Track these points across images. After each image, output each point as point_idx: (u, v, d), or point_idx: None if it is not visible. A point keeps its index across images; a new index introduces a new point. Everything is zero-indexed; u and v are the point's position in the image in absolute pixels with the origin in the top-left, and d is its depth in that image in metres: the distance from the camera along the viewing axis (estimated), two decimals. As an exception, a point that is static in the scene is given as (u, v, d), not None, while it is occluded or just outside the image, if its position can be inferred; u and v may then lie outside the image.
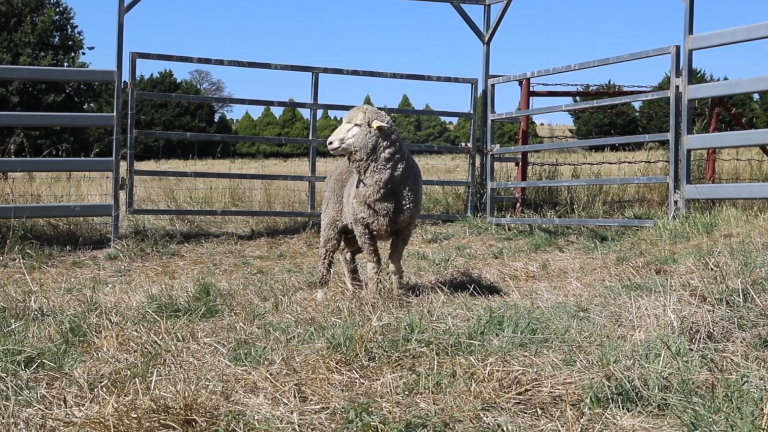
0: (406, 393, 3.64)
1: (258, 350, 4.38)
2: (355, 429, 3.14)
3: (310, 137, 12.25)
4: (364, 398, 3.55)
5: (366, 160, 6.02)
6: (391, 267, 6.38)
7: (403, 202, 6.16)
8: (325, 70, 12.15)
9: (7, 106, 40.48)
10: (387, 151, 6.05)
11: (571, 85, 13.59)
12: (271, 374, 3.85)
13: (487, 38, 12.72)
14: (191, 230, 11.62)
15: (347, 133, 6.02)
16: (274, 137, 63.07)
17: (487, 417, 3.32)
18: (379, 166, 6.03)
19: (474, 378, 3.74)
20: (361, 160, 6.01)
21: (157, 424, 3.08)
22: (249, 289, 6.76)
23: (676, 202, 9.39)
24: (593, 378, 3.65)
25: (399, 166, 6.11)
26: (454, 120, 77.98)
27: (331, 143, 6.01)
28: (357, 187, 6.16)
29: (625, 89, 14.49)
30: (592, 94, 15.39)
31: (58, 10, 46.55)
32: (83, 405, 3.39)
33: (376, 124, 6.04)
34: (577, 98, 16.41)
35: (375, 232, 6.27)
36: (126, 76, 10.98)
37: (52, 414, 3.30)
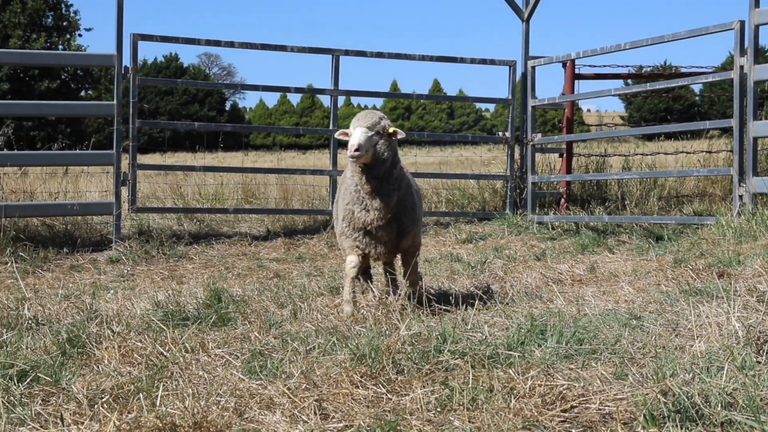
0: (439, 410, 3.64)
1: (275, 362, 4.39)
2: (382, 450, 3.15)
3: (331, 127, 12.26)
4: (392, 415, 3.55)
5: (383, 178, 5.80)
6: (407, 287, 6.20)
7: (406, 224, 6.00)
8: (347, 53, 12.17)
9: (-4, 93, 40.88)
10: (398, 166, 5.92)
11: (622, 66, 13.52)
12: (289, 389, 3.86)
13: (526, 15, 12.69)
14: (201, 230, 11.68)
15: (368, 140, 5.68)
16: (291, 127, 63.38)
17: (528, 437, 3.32)
18: (390, 187, 5.84)
19: (514, 393, 3.73)
20: (378, 177, 5.78)
21: (163, 444, 3.11)
22: (265, 295, 6.78)
23: (741, 196, 9.31)
24: (647, 393, 3.63)
25: (404, 184, 5.96)
26: (491, 107, 77.68)
27: (358, 148, 5.60)
28: (349, 208, 5.97)
29: (683, 71, 14.40)
30: (645, 77, 15.29)
31: (52, -13, 46.89)
32: (82, 423, 3.42)
33: (398, 133, 5.87)
34: (629, 81, 16.36)
35: (372, 259, 6.22)
36: (127, 61, 11.06)
37: (48, 433, 3.33)
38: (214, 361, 4.58)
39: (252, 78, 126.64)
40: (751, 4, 9.26)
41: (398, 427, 3.36)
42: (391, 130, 5.77)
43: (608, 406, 3.61)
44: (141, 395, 3.64)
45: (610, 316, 5.31)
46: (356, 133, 5.64)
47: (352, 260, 6.11)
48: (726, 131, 14.91)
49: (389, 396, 3.83)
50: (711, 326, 4.69)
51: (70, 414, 3.57)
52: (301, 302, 6.40)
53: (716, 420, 3.41)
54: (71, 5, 48.68)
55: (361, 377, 4.02)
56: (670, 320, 5.13)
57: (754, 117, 9.31)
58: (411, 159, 31.66)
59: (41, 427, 3.44)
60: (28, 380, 4.18)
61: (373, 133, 5.66)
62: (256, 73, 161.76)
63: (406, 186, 5.98)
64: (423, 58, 12.90)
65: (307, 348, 4.74)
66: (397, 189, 5.83)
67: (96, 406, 3.61)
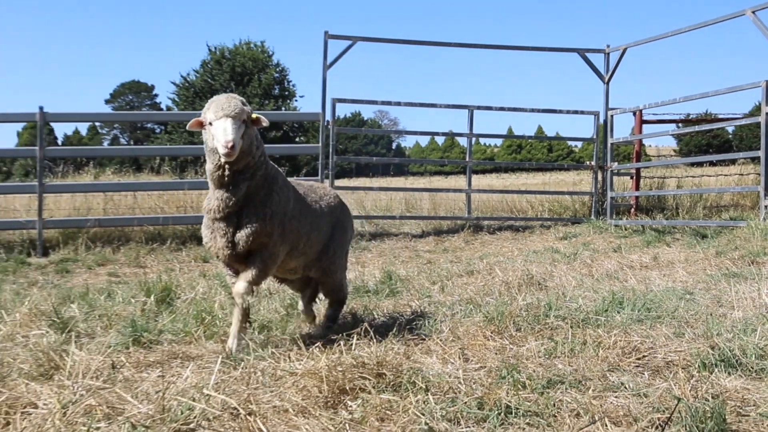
0: (547, 357, 3.59)
1: (430, 322, 4.41)
2: (507, 384, 3.12)
3: (467, 159, 12.20)
4: (514, 360, 3.52)
5: (246, 169, 3.72)
6: (238, 285, 3.77)
7: (245, 219, 3.71)
8: (479, 107, 12.07)
9: (241, 141, 42.42)
10: (256, 155, 3.76)
11: (675, 114, 13.08)
12: (441, 340, 3.88)
13: (606, 79, 12.35)
14: (376, 231, 11.82)
15: (237, 132, 3.57)
16: (438, 159, 63.20)
17: (612, 376, 3.23)
18: (242, 176, 3.70)
19: (601, 346, 3.65)
20: (239, 170, 3.69)
21: (357, 376, 3.15)
22: (421, 276, 6.81)
23: (766, 206, 8.81)
24: (700, 347, 3.49)
25: (259, 174, 3.78)
26: (579, 144, 75.75)
27: (233, 146, 3.50)
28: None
29: (721, 116, 13.74)
30: (693, 121, 14.69)
31: (278, 69, 48.38)
32: (302, 360, 3.51)
33: (262, 121, 3.74)
34: (680, 125, 15.68)
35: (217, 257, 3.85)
36: (328, 116, 11.31)
37: (280, 366, 3.43)
38: (389, 320, 4.63)
39: (410, 126, 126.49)
40: (775, 65, 8.75)
41: (518, 368, 3.32)
42: (254, 116, 3.71)
43: (671, 356, 3.49)
44: (341, 342, 3.69)
45: (670, 291, 5.12)
46: (227, 127, 3.54)
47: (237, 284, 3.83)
48: (754, 160, 14.12)
49: (511, 346, 3.79)
50: (746, 300, 4.48)
51: (294, 354, 3.67)
52: (447, 280, 6.40)
53: (752, 367, 3.26)
54: (291, 81, 50.13)
55: (491, 333, 4.00)
56: (715, 295, 4.91)
57: (777, 148, 8.79)
58: (522, 181, 31.17)
59: (275, 361, 3.55)
60: (266, 331, 4.33)
61: (240, 123, 3.60)
62: (414, 122, 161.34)
63: (263, 178, 3.79)
64: (532, 110, 12.69)
65: (452, 312, 4.75)
66: (249, 179, 3.71)
67: (311, 349, 3.70)
